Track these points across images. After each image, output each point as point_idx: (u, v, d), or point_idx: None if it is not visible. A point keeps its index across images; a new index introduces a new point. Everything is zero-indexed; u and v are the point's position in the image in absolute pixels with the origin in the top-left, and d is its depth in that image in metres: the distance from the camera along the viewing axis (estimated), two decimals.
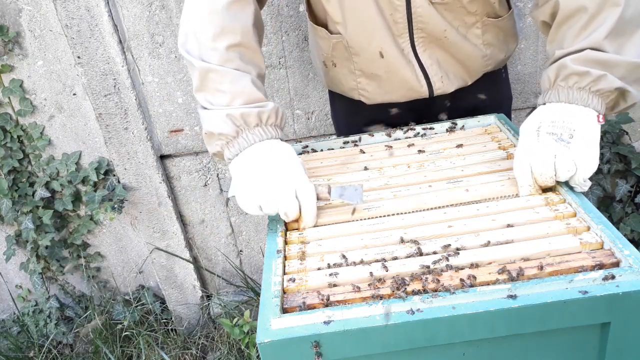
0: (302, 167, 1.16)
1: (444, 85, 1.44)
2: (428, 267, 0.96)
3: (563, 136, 1.07)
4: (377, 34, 1.35)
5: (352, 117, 1.67)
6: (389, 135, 1.51)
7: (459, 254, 0.99)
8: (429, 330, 0.86)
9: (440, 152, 1.37)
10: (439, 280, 0.92)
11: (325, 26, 1.47)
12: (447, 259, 0.97)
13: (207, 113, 1.18)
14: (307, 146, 1.52)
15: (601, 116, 1.08)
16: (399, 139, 1.50)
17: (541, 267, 0.92)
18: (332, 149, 1.51)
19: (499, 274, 0.92)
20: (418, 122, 1.58)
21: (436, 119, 1.60)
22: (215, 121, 1.16)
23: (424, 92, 1.46)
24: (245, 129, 1.16)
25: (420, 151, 1.39)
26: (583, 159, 1.07)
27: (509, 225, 1.05)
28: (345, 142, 1.51)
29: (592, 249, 0.96)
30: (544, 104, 1.14)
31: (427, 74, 1.42)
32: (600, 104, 1.08)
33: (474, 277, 0.92)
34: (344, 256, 1.02)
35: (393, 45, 1.37)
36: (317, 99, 2.20)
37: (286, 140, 1.23)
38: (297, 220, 1.15)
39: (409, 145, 1.44)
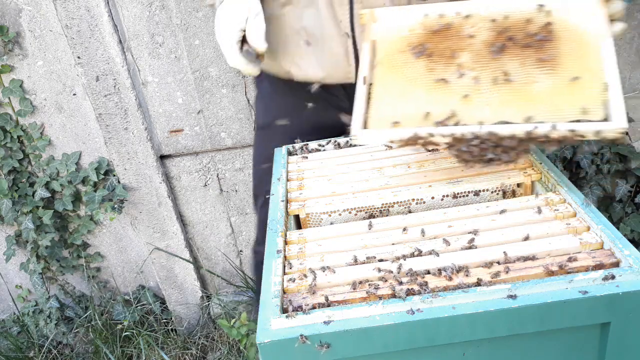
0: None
1: None
2: (427, 267, 0.96)
3: None
4: None
5: (283, 99, 1.55)
6: None
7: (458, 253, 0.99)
8: (429, 330, 0.86)
9: (441, 152, 1.37)
10: (436, 279, 0.92)
11: None
12: (451, 254, 0.97)
13: None
14: (307, 144, 1.52)
15: None
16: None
17: (551, 272, 0.92)
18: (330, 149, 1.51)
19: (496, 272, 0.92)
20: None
21: None
22: None
23: (350, 74, 1.32)
24: None
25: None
26: None
27: (509, 225, 1.05)
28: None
29: (592, 249, 0.96)
30: None
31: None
32: None
33: (467, 274, 0.92)
34: (355, 258, 1.02)
35: (330, 9, 1.27)
36: None
37: None
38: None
39: None
